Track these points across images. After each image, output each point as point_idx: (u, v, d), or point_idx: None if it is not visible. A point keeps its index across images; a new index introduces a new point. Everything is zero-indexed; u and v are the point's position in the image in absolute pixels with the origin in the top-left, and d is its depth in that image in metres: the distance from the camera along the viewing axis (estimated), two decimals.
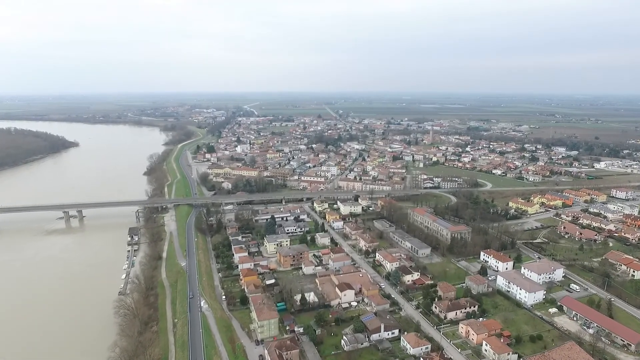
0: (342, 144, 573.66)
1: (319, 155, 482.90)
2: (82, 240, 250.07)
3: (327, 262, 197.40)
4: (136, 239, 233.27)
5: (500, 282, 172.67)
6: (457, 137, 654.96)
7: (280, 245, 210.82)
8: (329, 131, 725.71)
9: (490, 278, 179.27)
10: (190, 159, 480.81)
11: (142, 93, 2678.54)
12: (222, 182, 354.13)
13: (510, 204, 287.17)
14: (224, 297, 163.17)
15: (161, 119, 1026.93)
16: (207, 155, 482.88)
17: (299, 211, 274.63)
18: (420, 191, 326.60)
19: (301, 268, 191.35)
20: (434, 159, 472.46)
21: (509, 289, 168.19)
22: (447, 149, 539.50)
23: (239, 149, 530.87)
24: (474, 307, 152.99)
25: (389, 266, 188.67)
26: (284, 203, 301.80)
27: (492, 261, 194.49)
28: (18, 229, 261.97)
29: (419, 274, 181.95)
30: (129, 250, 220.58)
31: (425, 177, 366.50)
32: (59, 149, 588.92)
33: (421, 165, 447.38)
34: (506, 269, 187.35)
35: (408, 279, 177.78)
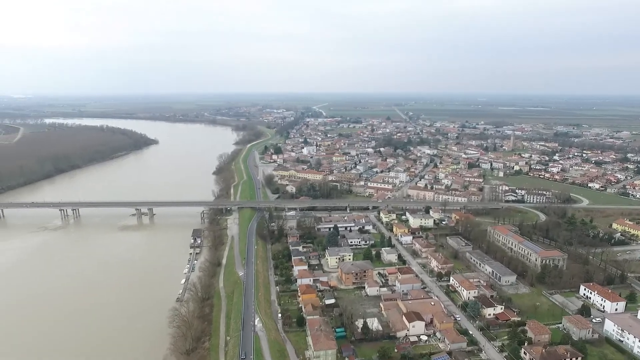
0: (411, 148, 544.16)
1: (387, 160, 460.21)
2: (150, 239, 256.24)
3: (394, 283, 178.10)
4: (199, 241, 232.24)
5: (610, 327, 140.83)
6: (543, 143, 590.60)
7: (343, 260, 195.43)
8: (398, 134, 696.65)
9: (595, 320, 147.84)
10: (258, 160, 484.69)
11: (218, 93, 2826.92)
12: (287, 185, 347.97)
13: (615, 225, 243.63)
14: (280, 315, 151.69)
15: (234, 118, 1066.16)
16: (274, 157, 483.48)
17: (364, 221, 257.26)
18: (501, 205, 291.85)
19: (364, 288, 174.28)
20: (516, 167, 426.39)
21: (621, 338, 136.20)
22: (531, 156, 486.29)
23: (305, 150, 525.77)
24: (577, 359, 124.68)
25: (466, 294, 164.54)
26: (348, 211, 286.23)
27: (596, 298, 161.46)
28: (96, 224, 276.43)
29: (503, 306, 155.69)
30: (190, 253, 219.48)
31: (506, 188, 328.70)
32: (141, 147, 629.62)
33: (501, 174, 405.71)
34: (616, 310, 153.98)
35: (489, 312, 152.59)
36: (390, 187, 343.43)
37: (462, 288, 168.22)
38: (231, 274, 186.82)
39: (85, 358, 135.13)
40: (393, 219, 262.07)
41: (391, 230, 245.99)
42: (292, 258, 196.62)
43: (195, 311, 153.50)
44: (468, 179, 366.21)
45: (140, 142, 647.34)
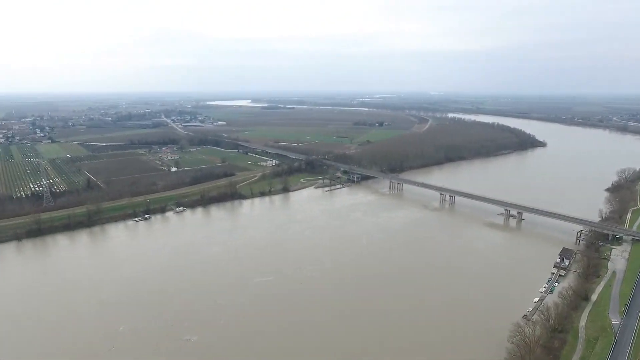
0: None
1: None
2: (511, 242, 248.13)
3: None
4: (566, 263, 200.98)
5: None
6: None
7: None
8: None
9: None
10: None
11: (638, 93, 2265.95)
12: None
13: None
14: None
15: None
16: None
17: None
18: None
19: None
20: None
21: None
22: None
23: None
24: None
25: None
26: None
27: None
28: (465, 214, 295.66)
29: None
30: (553, 273, 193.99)
31: None
32: (526, 147, 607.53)
33: None
34: None
35: None
36: None
37: None
38: (600, 316, 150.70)
39: (418, 335, 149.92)
40: None
41: None
42: None
43: (541, 338, 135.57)
44: None
45: (526, 143, 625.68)
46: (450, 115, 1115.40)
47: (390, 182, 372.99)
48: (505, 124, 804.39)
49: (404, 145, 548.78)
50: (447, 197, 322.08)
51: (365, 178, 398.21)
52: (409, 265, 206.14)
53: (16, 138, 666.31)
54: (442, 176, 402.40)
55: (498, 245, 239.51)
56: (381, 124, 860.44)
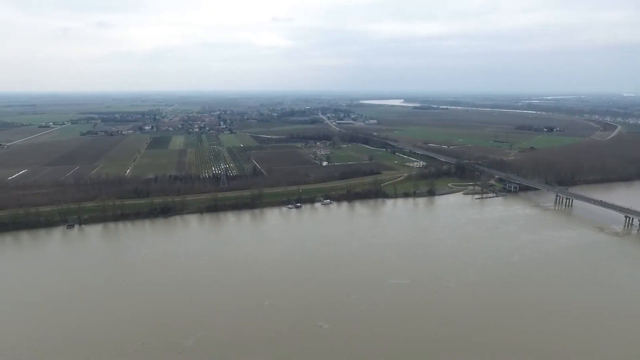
0: None
1: None
2: None
3: None
4: None
5: None
6: None
7: None
8: None
9: None
10: None
11: None
12: None
13: None
14: None
15: None
16: None
17: None
18: None
19: None
20: None
21: None
22: None
23: None
24: None
25: None
26: None
27: None
28: None
29: None
30: None
31: None
32: None
33: None
34: None
35: None
36: None
37: None
38: None
39: None
40: None
41: None
42: None
43: None
44: None
45: None
46: None
47: (557, 196, 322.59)
48: None
49: (578, 154, 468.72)
50: (636, 222, 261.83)
51: (525, 189, 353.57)
52: (573, 300, 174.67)
53: (206, 128, 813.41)
54: (630, 195, 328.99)
55: None
56: (550, 130, 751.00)
